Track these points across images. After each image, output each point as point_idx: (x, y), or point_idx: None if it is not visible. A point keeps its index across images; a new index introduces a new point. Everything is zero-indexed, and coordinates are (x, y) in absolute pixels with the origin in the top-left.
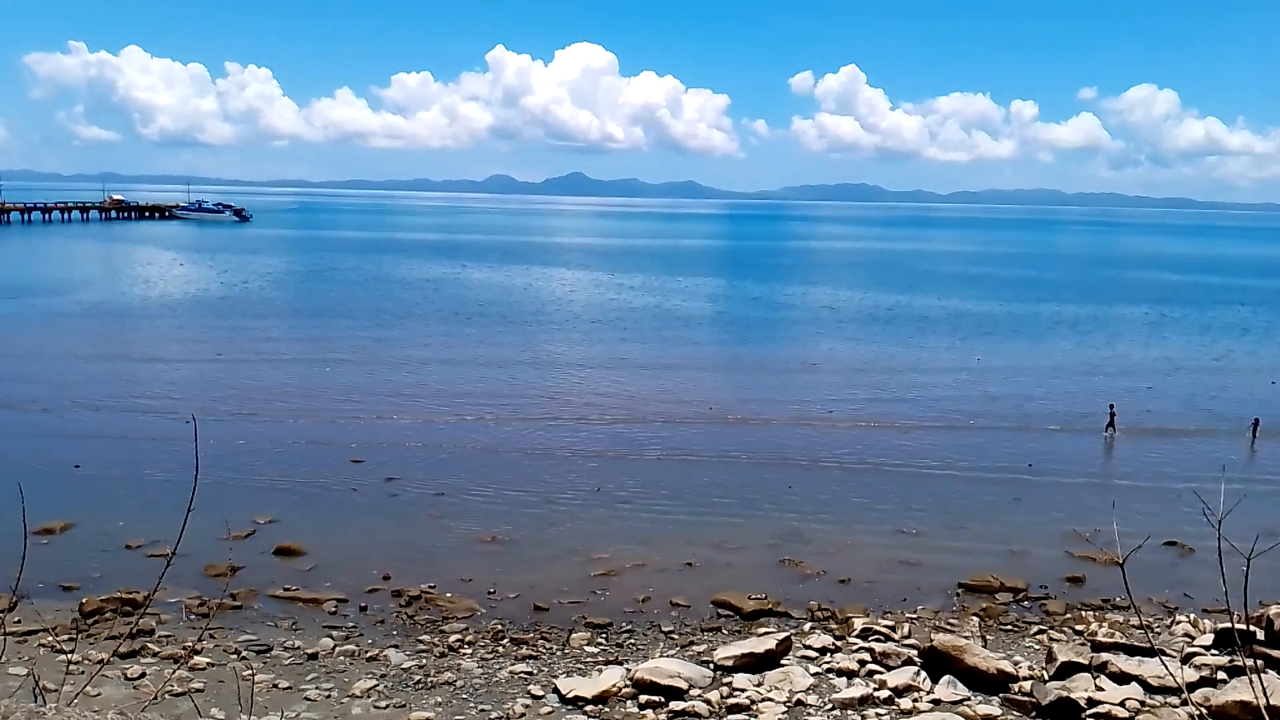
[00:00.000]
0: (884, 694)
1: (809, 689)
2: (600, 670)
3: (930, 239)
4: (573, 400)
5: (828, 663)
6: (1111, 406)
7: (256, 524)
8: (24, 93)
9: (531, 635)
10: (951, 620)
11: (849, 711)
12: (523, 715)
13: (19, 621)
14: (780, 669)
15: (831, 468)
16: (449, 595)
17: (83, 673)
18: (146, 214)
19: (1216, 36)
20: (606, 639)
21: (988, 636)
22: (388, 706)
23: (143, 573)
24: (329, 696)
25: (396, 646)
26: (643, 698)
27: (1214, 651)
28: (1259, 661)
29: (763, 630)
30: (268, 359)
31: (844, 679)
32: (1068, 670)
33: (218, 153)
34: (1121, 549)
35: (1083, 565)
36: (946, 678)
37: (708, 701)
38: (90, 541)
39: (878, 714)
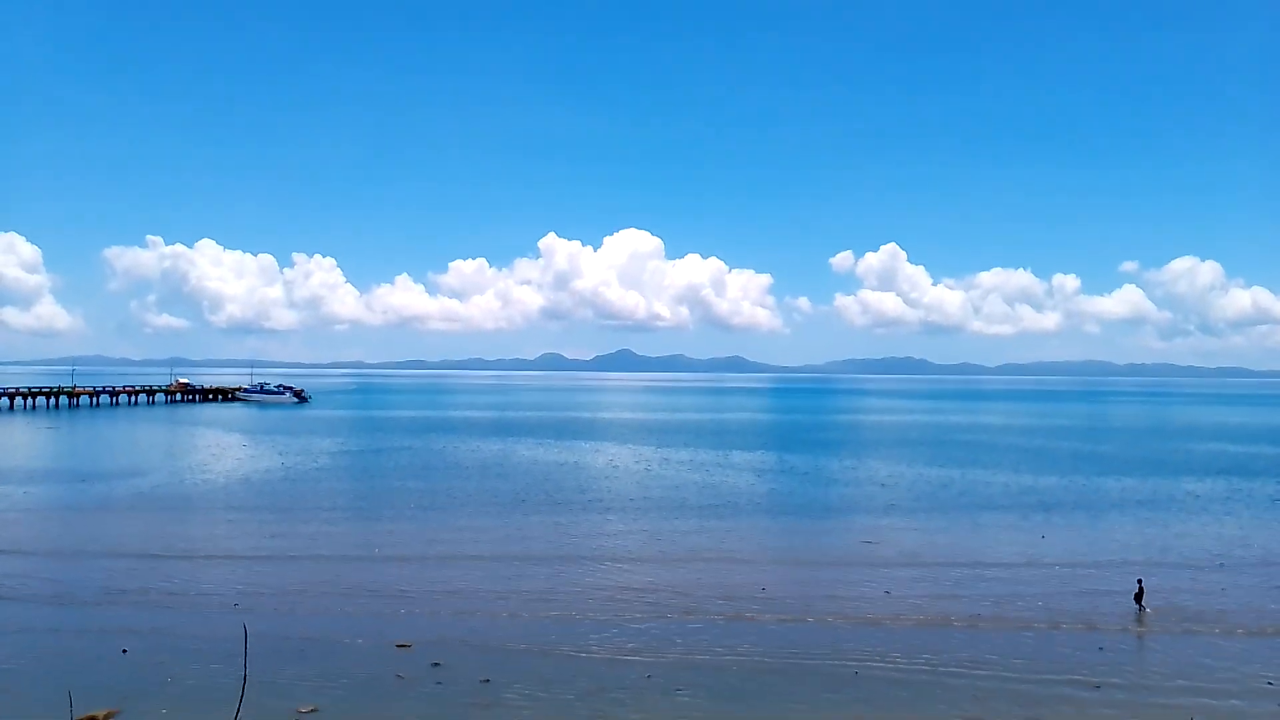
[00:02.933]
0: None
1: None
2: None
3: (980, 411)
4: (618, 592)
5: None
6: (1140, 581)
7: (299, 713)
8: (102, 284)
9: None
10: None
11: None
12: None
13: None
14: None
15: (889, 670)
16: None
17: None
18: (211, 396)
19: (1255, 207)
20: None
21: None
22: None
23: None
24: None
25: None
26: None
27: None
28: None
29: None
30: (317, 545)
31: None
32: None
33: (282, 337)
34: None
35: None
36: None
37: None
38: None
39: None
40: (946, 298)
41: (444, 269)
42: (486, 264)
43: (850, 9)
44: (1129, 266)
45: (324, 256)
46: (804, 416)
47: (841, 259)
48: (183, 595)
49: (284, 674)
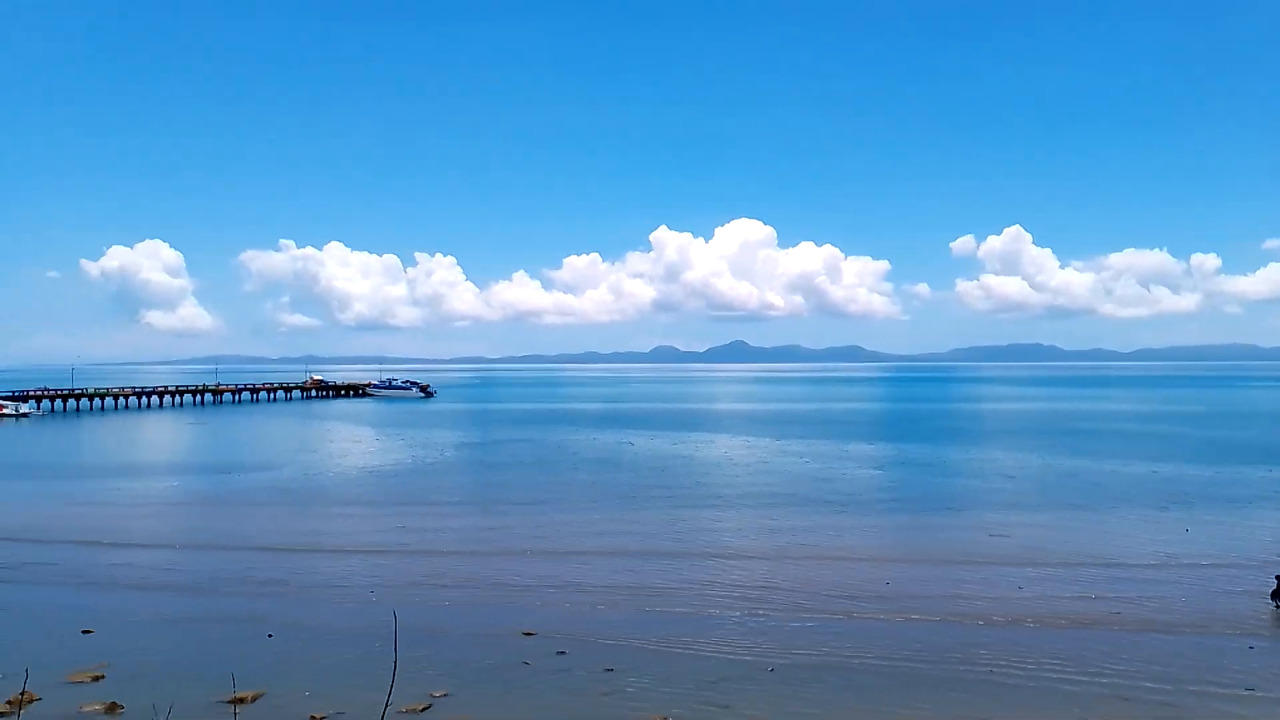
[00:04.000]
0: None
1: None
2: None
3: (1112, 398)
4: (736, 588)
5: None
6: (1278, 577)
7: (432, 697)
8: (239, 287)
9: None
10: None
11: None
12: None
13: None
14: None
15: (1024, 671)
16: None
17: None
18: (342, 392)
19: None
20: None
21: None
22: None
23: None
24: None
25: None
26: None
27: None
28: None
29: None
30: (443, 538)
31: None
32: None
33: (406, 334)
34: None
35: None
36: None
37: None
38: (277, 712)
39: None
40: (1075, 280)
41: (558, 264)
42: (599, 258)
43: None
44: (1273, 244)
45: (444, 255)
46: (924, 405)
47: (962, 243)
48: (320, 587)
49: (414, 659)
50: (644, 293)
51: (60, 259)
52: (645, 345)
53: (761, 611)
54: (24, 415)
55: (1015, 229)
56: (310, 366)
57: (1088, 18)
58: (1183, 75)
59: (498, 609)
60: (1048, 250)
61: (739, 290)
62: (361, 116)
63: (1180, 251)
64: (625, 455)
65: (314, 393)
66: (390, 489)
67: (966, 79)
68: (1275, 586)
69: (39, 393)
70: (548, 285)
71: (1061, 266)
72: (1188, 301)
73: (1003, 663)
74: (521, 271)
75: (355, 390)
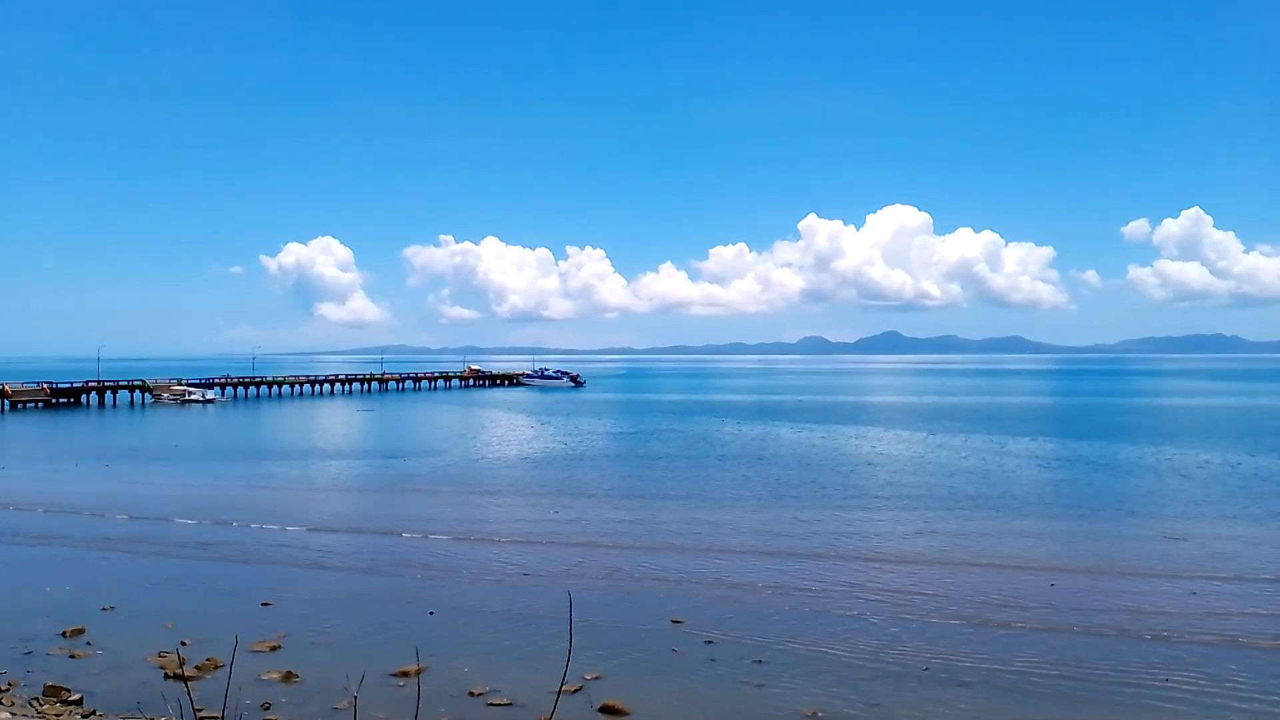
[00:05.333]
0: None
1: None
2: None
3: None
4: (886, 590)
5: None
6: None
7: (585, 680)
8: (403, 280)
9: None
10: None
11: None
12: None
13: None
14: None
15: (1194, 686)
16: None
17: None
18: (498, 381)
19: None
20: None
21: None
22: None
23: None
24: None
25: None
26: None
27: None
28: None
29: None
30: (592, 528)
31: None
32: None
33: (559, 325)
34: None
35: None
36: None
37: None
38: (439, 685)
39: None
40: (1263, 266)
41: (704, 256)
42: (746, 248)
43: None
44: None
45: (594, 248)
46: (1093, 399)
47: (1135, 227)
48: (478, 570)
49: (566, 642)
50: (792, 282)
51: (243, 256)
52: (794, 336)
53: (913, 616)
54: (210, 401)
55: (1195, 211)
56: (469, 356)
57: None
58: None
59: (646, 599)
60: (1231, 233)
61: (892, 279)
62: (510, 115)
63: None
64: (771, 449)
65: (471, 382)
66: (542, 477)
67: (1138, 48)
68: None
69: (223, 380)
70: (694, 276)
71: (1247, 251)
72: None
73: (1175, 674)
74: (669, 263)
75: (510, 380)
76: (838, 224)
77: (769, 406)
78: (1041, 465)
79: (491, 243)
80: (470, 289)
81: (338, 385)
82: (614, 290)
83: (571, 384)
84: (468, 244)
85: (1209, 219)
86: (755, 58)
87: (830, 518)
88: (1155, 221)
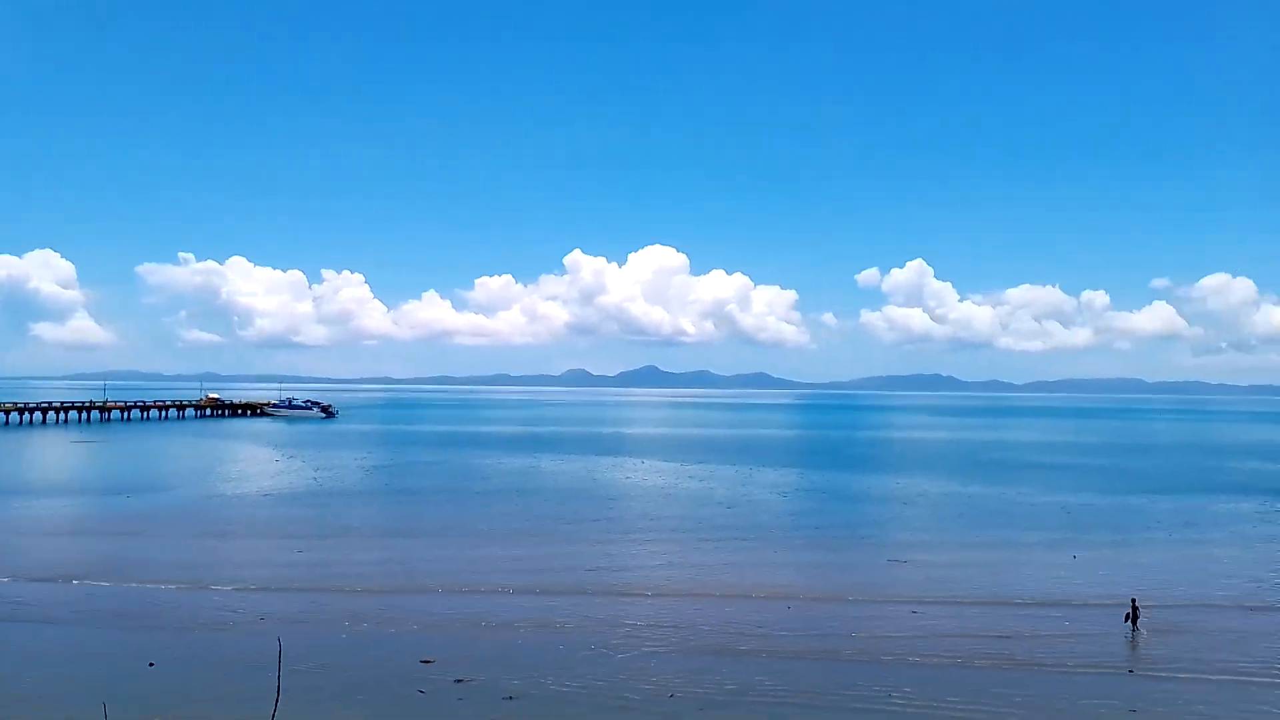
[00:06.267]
0: None
1: None
2: None
3: (1009, 427)
4: (642, 625)
5: None
6: (1134, 600)
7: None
8: (135, 300)
9: None
10: None
11: None
12: None
13: None
14: None
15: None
16: None
17: None
18: (240, 411)
19: None
20: None
21: None
22: None
23: None
24: None
25: None
26: None
27: None
28: None
29: None
30: (341, 563)
31: None
32: None
33: (313, 352)
34: None
35: None
36: None
37: None
38: None
39: None
40: (974, 314)
41: (470, 285)
42: (513, 280)
43: (870, 20)
44: (1160, 283)
45: (352, 272)
46: (832, 432)
47: (867, 275)
48: (208, 615)
49: (302, 688)
50: (558, 316)
51: None
52: (559, 368)
53: (663, 647)
54: None
55: (918, 263)
56: (209, 385)
57: (989, 54)
58: (1074, 114)
59: (394, 640)
60: (948, 284)
61: (652, 316)
62: (261, 128)
63: (1073, 288)
64: (533, 481)
65: (209, 411)
66: (287, 515)
67: (873, 113)
68: (1129, 610)
69: None
70: (460, 305)
71: (961, 300)
72: (1079, 337)
73: (896, 698)
74: (433, 291)
75: (253, 409)
76: (601, 261)
77: (532, 438)
78: (783, 495)
79: (238, 262)
80: (213, 311)
81: (51, 414)
82: (374, 317)
83: (323, 414)
84: (211, 263)
85: (930, 270)
86: (517, 88)
87: (587, 551)
88: (885, 270)
